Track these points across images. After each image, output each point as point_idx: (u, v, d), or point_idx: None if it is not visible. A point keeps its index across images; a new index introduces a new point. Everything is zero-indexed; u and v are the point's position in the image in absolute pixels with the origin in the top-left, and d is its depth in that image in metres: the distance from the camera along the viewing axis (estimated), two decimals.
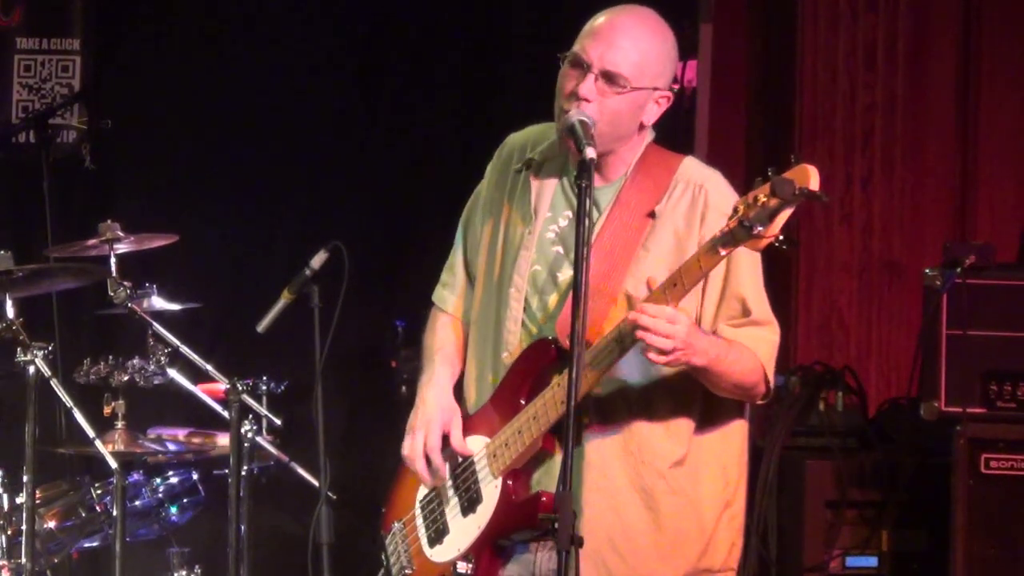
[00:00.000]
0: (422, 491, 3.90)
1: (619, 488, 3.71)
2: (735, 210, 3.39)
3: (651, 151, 3.79)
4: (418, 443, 3.81)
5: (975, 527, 5.14)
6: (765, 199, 3.32)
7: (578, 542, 3.38)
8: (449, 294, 3.98)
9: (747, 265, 3.71)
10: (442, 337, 3.96)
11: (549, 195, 3.80)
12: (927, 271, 5.32)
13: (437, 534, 3.83)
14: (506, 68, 6.79)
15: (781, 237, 3.36)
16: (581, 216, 3.45)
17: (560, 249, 3.76)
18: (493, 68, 6.77)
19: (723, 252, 3.43)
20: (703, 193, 3.73)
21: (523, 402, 3.70)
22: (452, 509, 3.81)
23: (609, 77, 3.63)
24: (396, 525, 3.94)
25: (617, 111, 3.66)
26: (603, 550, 3.69)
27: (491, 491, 3.73)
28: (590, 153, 3.52)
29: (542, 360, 3.70)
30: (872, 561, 5.49)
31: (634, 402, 3.71)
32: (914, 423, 5.35)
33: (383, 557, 3.97)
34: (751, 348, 3.67)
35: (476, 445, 3.79)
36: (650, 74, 3.66)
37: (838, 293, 6.37)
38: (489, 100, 6.77)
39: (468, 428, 3.82)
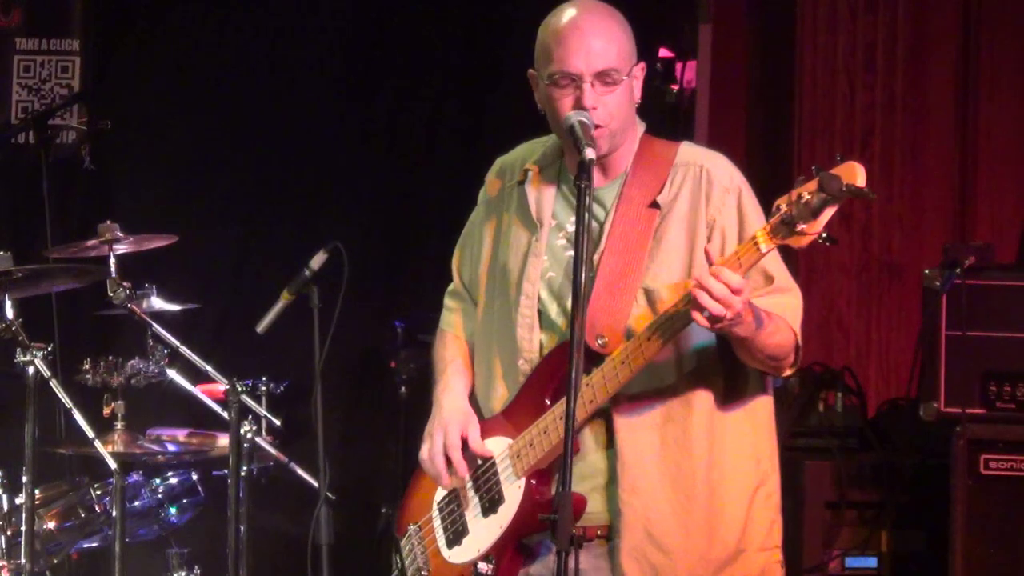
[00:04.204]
0: (440, 493, 3.89)
1: (654, 484, 3.69)
2: (776, 207, 3.39)
3: (646, 143, 3.80)
4: (437, 445, 3.81)
5: (974, 528, 5.14)
6: (810, 196, 3.32)
7: (577, 542, 3.38)
8: (456, 317, 4.02)
9: None
10: (452, 351, 3.98)
11: (550, 203, 3.81)
12: (926, 272, 5.32)
13: (456, 535, 3.83)
14: (507, 67, 6.78)
15: (825, 234, 3.36)
16: (580, 215, 3.45)
17: (573, 254, 3.76)
18: (494, 67, 6.76)
19: (764, 249, 3.43)
20: (704, 172, 3.73)
21: (548, 402, 3.70)
22: (472, 510, 3.80)
23: (603, 75, 3.65)
24: (412, 527, 3.93)
25: (620, 104, 3.68)
26: (644, 546, 3.68)
27: (514, 491, 3.73)
28: (589, 154, 3.53)
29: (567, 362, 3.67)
30: (871, 562, 5.49)
31: (665, 393, 3.69)
32: (913, 424, 5.35)
33: (397, 559, 3.96)
34: (783, 317, 3.65)
35: (498, 447, 3.78)
36: (628, 55, 3.69)
37: (837, 294, 6.36)
38: (490, 100, 6.77)
39: (487, 431, 3.81)
